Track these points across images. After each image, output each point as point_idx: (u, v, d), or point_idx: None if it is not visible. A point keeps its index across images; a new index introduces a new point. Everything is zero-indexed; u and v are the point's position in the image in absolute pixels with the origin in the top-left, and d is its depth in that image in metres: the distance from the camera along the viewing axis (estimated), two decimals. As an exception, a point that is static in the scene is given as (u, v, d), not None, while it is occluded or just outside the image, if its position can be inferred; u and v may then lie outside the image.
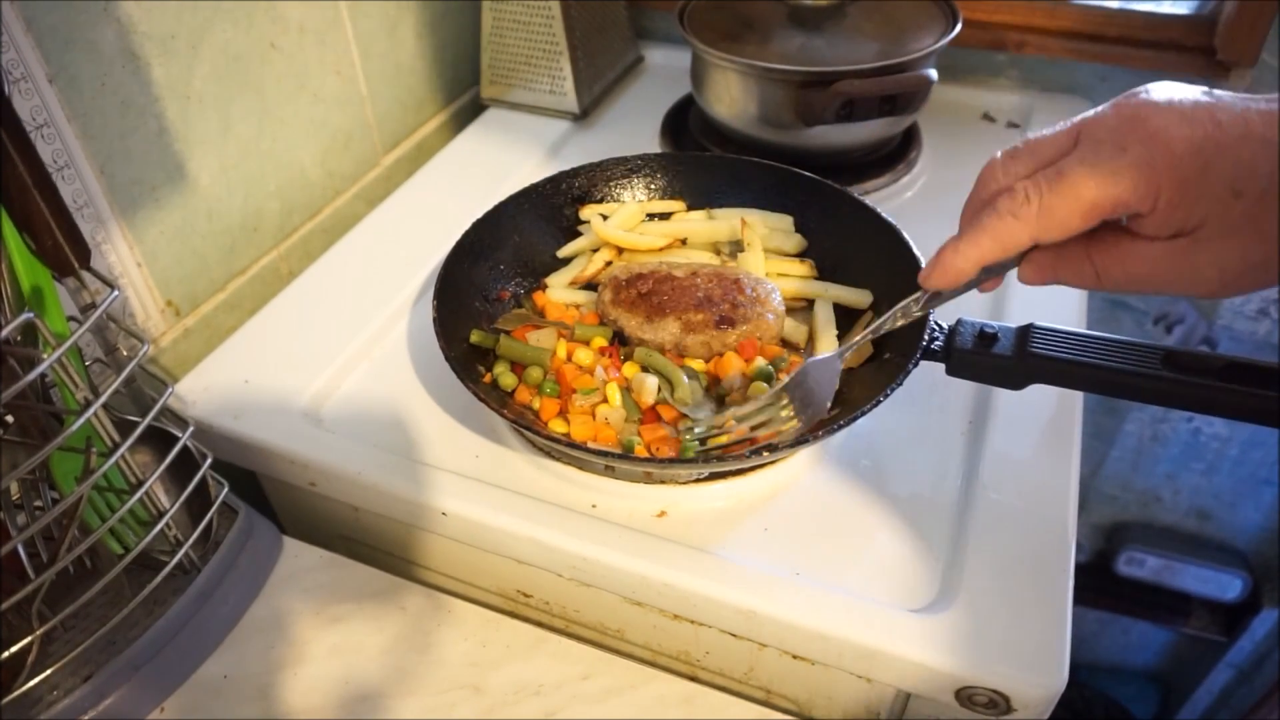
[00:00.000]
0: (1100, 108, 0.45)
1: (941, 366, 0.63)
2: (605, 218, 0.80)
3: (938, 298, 0.53)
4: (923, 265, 0.66)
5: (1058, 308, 0.76)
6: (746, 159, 0.82)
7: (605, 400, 0.64)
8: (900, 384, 0.59)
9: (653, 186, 0.83)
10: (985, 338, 0.61)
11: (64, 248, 0.49)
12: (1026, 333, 0.61)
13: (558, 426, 0.64)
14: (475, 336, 0.69)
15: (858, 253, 0.74)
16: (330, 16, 0.88)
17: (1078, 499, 0.62)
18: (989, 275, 0.50)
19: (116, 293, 0.52)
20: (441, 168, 1.00)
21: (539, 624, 0.62)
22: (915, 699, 0.59)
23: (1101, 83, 1.05)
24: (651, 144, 1.01)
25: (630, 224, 0.79)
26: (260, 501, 0.76)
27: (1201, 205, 0.41)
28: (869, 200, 0.76)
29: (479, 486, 0.64)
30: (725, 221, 0.79)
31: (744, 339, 0.67)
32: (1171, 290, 0.45)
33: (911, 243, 0.69)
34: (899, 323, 0.57)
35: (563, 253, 0.79)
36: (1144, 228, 0.44)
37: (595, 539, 0.60)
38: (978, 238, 0.47)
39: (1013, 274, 0.52)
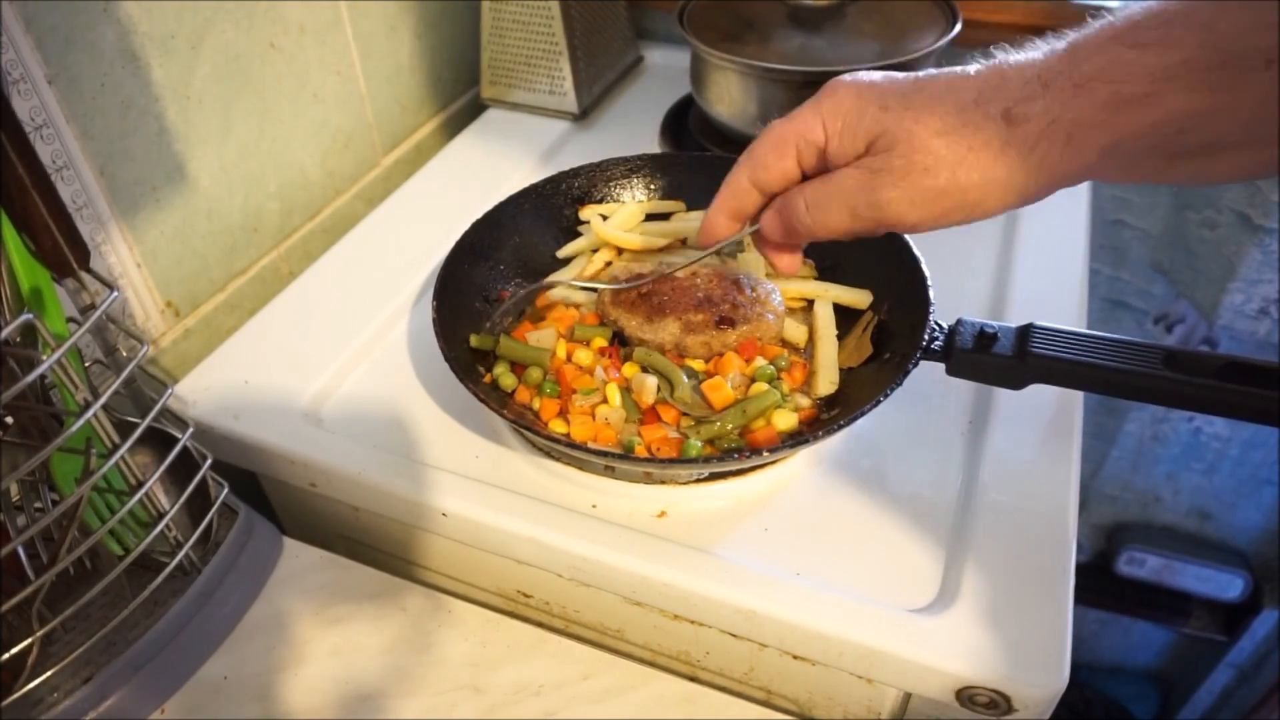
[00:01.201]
0: None
1: (941, 366, 0.63)
2: (605, 218, 0.80)
3: (718, 251, 0.60)
4: (923, 265, 0.67)
5: (1058, 308, 0.77)
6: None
7: (605, 400, 0.64)
8: (900, 384, 0.59)
9: (653, 186, 0.83)
10: (985, 338, 0.61)
11: (63, 249, 0.49)
12: (1026, 333, 0.61)
13: (558, 427, 0.64)
14: (475, 340, 0.69)
15: (858, 253, 0.74)
16: (330, 16, 0.88)
17: (1078, 499, 0.62)
18: (741, 223, 0.57)
19: (116, 294, 0.52)
20: (441, 168, 1.00)
21: (539, 624, 0.62)
22: (915, 699, 0.59)
23: (1101, 82, 1.05)
24: (651, 144, 1.01)
25: (630, 224, 0.79)
26: (260, 502, 0.76)
27: (863, 122, 0.48)
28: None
29: (479, 486, 0.64)
30: None
31: (744, 339, 0.67)
32: (863, 202, 0.49)
33: (911, 242, 0.69)
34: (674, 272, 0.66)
35: (563, 253, 0.79)
36: (833, 160, 0.51)
37: (595, 539, 0.60)
38: (720, 192, 0.56)
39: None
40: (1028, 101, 0.44)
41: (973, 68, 0.47)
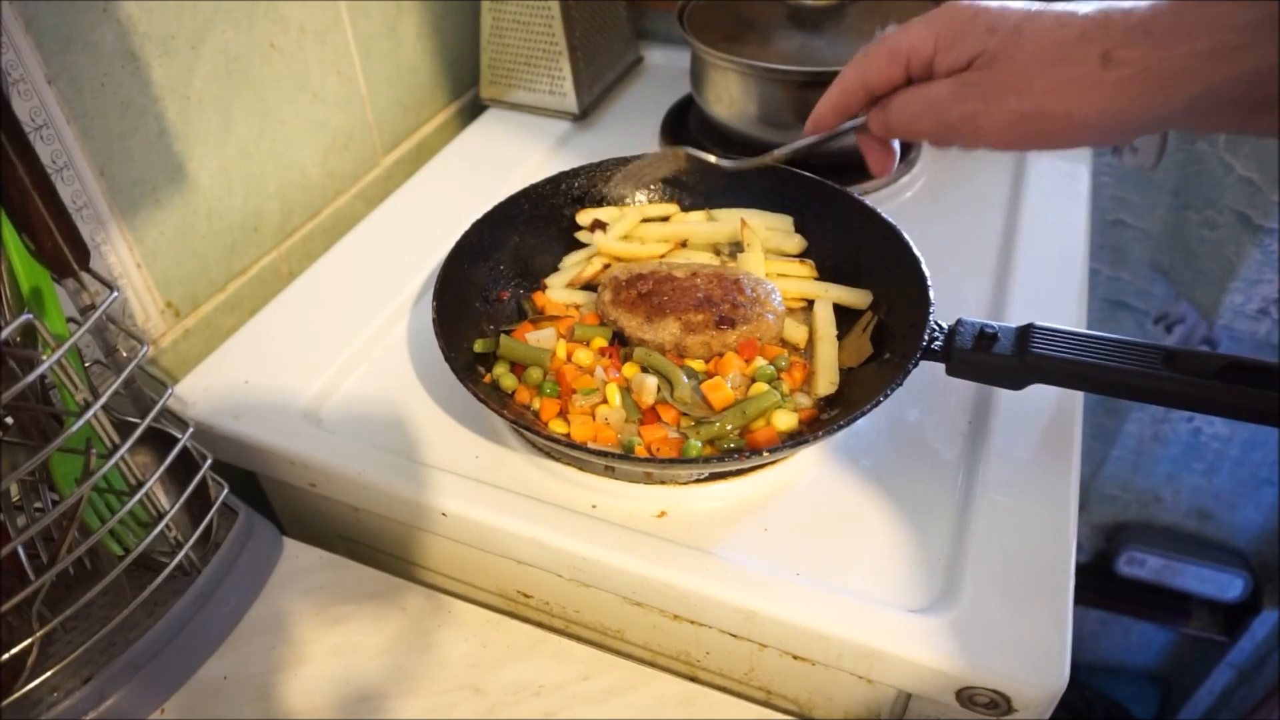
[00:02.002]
0: None
1: (941, 366, 0.63)
2: (603, 223, 0.80)
3: (819, 141, 0.64)
4: (924, 265, 0.67)
5: (1058, 308, 0.77)
6: (664, 150, 0.82)
7: (605, 400, 0.64)
8: (900, 384, 0.59)
9: (652, 187, 0.83)
10: (985, 338, 0.61)
11: (63, 249, 0.49)
12: (1026, 333, 0.61)
13: (558, 427, 0.64)
14: (480, 345, 0.69)
15: (857, 253, 0.74)
16: (330, 16, 0.88)
17: (1078, 499, 0.62)
18: (845, 119, 0.62)
19: (116, 294, 0.52)
20: (441, 168, 1.00)
21: (539, 624, 0.62)
22: (916, 699, 0.59)
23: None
24: (651, 144, 1.01)
25: (630, 229, 0.79)
26: (260, 502, 0.76)
27: (970, 40, 0.51)
28: (869, 200, 0.76)
29: (479, 487, 0.64)
30: (725, 222, 0.79)
31: (744, 339, 0.67)
32: (954, 114, 0.52)
33: (911, 242, 0.69)
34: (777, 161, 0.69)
35: (565, 264, 0.79)
36: (937, 71, 0.54)
37: (595, 539, 0.60)
38: (830, 88, 0.61)
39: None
40: (1128, 46, 0.46)
41: (1082, 8, 0.49)
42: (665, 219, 0.81)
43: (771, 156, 0.68)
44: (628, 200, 0.83)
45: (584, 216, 0.80)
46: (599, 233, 0.79)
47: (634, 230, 0.79)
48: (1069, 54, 0.48)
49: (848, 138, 0.89)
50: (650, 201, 0.83)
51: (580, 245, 0.81)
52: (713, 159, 0.74)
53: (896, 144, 0.62)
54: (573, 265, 0.78)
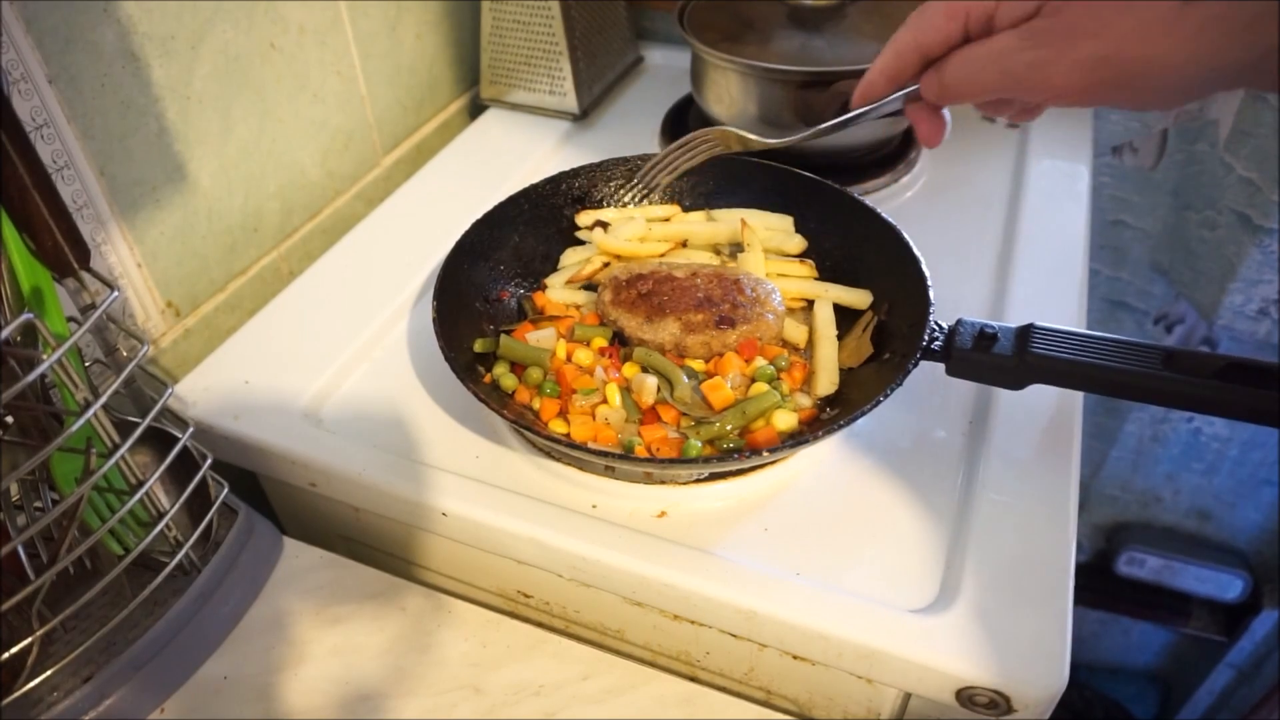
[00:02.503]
0: None
1: (941, 366, 0.63)
2: (603, 223, 0.80)
3: (867, 112, 0.59)
4: (923, 265, 0.67)
5: (1058, 308, 0.77)
6: (746, 159, 0.82)
7: (605, 400, 0.64)
8: (900, 384, 0.59)
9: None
10: (985, 338, 0.61)
11: (64, 248, 0.49)
12: (1026, 333, 0.61)
13: (558, 427, 0.64)
14: (480, 345, 0.69)
15: (857, 253, 0.74)
16: (330, 16, 0.88)
17: (1078, 499, 0.62)
18: (898, 86, 0.57)
19: (116, 293, 0.52)
20: (441, 168, 1.00)
21: (539, 624, 0.62)
22: (915, 699, 0.59)
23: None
24: (651, 144, 1.01)
25: (641, 233, 0.79)
26: (260, 502, 0.76)
27: None
28: (869, 200, 0.76)
29: (479, 487, 0.64)
30: (725, 223, 0.79)
31: (744, 339, 0.67)
32: (1020, 63, 0.48)
33: (911, 242, 0.69)
34: (822, 134, 0.63)
35: (564, 262, 0.79)
36: (998, 25, 0.50)
37: (595, 539, 0.60)
38: (882, 53, 0.56)
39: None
40: None
41: None
42: (666, 219, 0.81)
43: (815, 131, 0.64)
44: (628, 201, 0.83)
45: (585, 218, 0.80)
46: (598, 230, 0.79)
47: (648, 235, 0.78)
48: None
49: (853, 135, 0.89)
50: (651, 203, 0.83)
51: (580, 244, 0.81)
52: (755, 137, 0.69)
53: (948, 113, 0.58)
54: (572, 265, 0.78)
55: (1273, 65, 0.43)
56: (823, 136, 0.64)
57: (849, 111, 0.59)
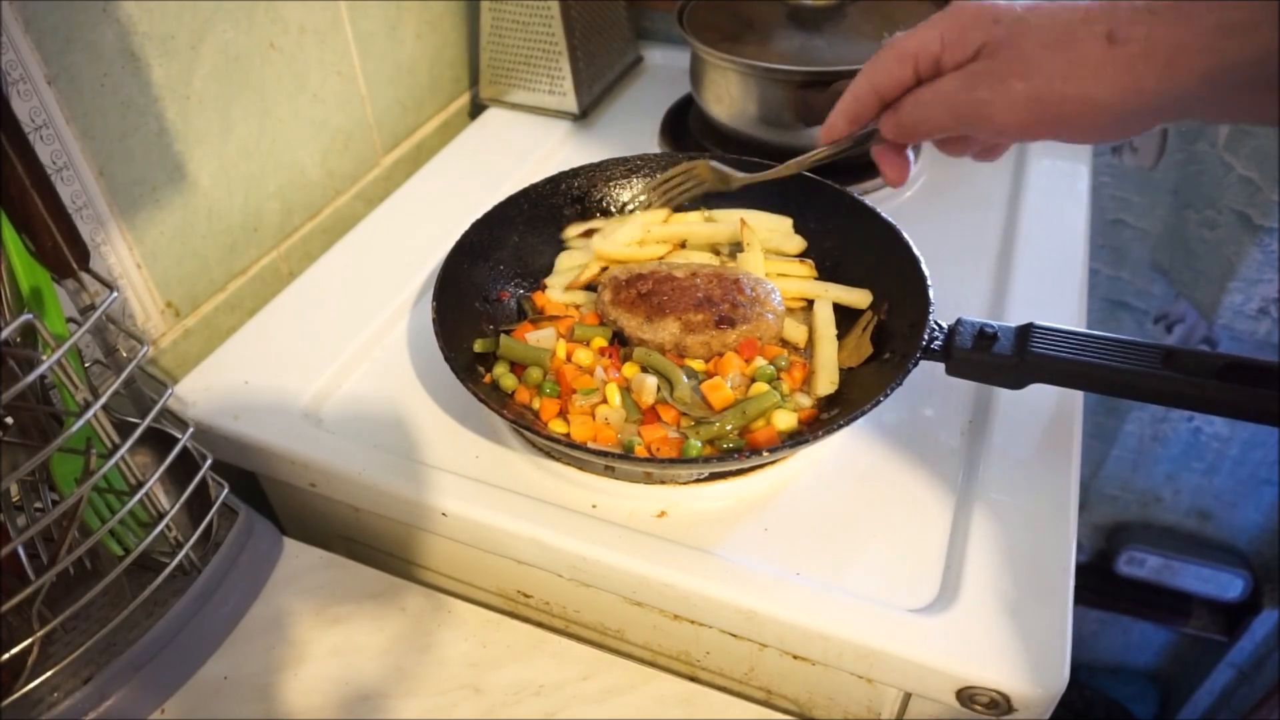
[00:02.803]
0: None
1: (941, 366, 0.63)
2: (590, 233, 0.79)
3: (836, 150, 0.63)
4: (923, 265, 0.67)
5: (1058, 308, 0.77)
6: (746, 159, 0.82)
7: (605, 400, 0.64)
8: (900, 384, 0.59)
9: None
10: (985, 337, 0.61)
11: (63, 249, 0.49)
12: (1026, 332, 0.61)
13: (558, 427, 0.64)
14: (480, 345, 0.69)
15: (857, 253, 0.74)
16: (330, 16, 0.88)
17: (1078, 499, 0.62)
18: (857, 126, 0.60)
19: (116, 294, 0.52)
20: (441, 168, 1.00)
21: (539, 624, 0.62)
22: (916, 699, 0.59)
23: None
24: (651, 144, 1.01)
25: (642, 238, 0.78)
26: (260, 502, 0.76)
27: (975, 32, 0.51)
28: (869, 200, 0.76)
29: (479, 487, 0.64)
30: (724, 223, 0.78)
31: (744, 339, 0.67)
32: (964, 101, 0.52)
33: (911, 242, 0.69)
34: (796, 170, 0.67)
35: (560, 266, 0.79)
36: (944, 67, 0.54)
37: (595, 539, 0.60)
38: (843, 96, 0.60)
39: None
40: (1132, 25, 0.46)
41: None
42: (664, 220, 0.81)
43: (788, 166, 0.68)
44: (626, 201, 0.83)
45: (572, 230, 0.80)
46: (596, 237, 0.79)
47: (645, 237, 0.78)
48: (1074, 35, 0.48)
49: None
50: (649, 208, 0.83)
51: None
52: (735, 173, 0.73)
53: (911, 153, 0.62)
54: (568, 270, 0.78)
55: (1204, 95, 0.46)
56: (793, 172, 0.68)
57: (824, 147, 0.63)
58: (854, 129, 0.61)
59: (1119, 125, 0.49)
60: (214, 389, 0.73)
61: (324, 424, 0.70)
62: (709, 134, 0.99)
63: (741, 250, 0.76)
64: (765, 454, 0.58)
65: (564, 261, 0.79)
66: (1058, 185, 0.92)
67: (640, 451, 0.62)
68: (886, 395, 0.58)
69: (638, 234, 0.77)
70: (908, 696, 0.59)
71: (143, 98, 0.71)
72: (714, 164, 0.77)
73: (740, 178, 0.73)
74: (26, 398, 0.50)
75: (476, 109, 1.12)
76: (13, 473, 0.47)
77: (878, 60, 0.57)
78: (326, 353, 0.75)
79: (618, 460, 0.61)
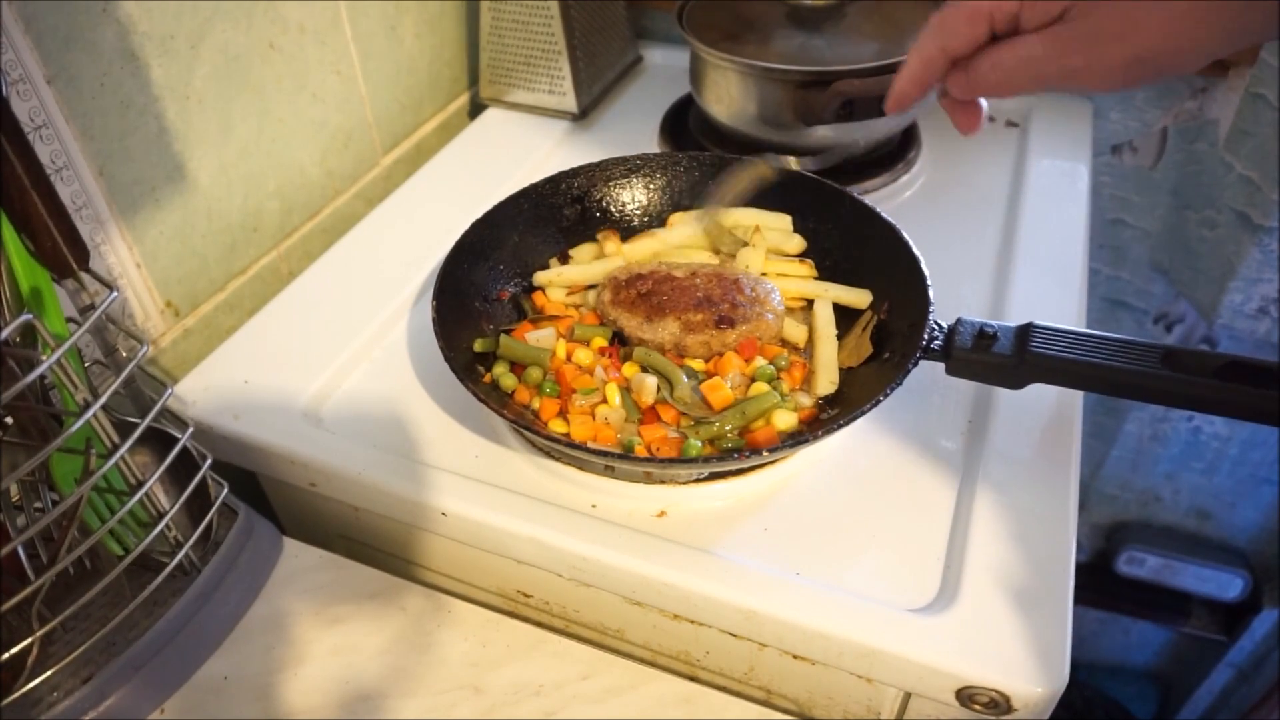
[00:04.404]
0: None
1: (941, 366, 0.63)
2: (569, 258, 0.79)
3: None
4: (923, 265, 0.67)
5: (1058, 308, 0.77)
6: (746, 159, 0.82)
7: (605, 400, 0.64)
8: (900, 384, 0.59)
9: (652, 187, 0.83)
10: (985, 337, 0.61)
11: (63, 249, 0.49)
12: (1026, 332, 0.61)
13: (557, 426, 0.64)
14: (480, 345, 0.69)
15: (857, 253, 0.74)
16: (330, 16, 0.88)
17: (1078, 499, 0.62)
18: (926, 91, 0.56)
19: (115, 294, 0.52)
20: (441, 168, 1.00)
21: (539, 624, 0.62)
22: (915, 699, 0.59)
23: (1101, 82, 1.05)
24: (651, 144, 1.01)
25: (660, 249, 0.78)
26: (260, 502, 0.76)
27: None
28: (869, 200, 0.76)
29: (479, 486, 0.64)
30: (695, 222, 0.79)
31: (744, 339, 0.67)
32: (1052, 70, 0.49)
33: (911, 242, 0.69)
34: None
35: (576, 257, 0.79)
36: (1023, 26, 0.50)
37: (595, 539, 0.60)
38: (908, 59, 0.56)
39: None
40: None
41: None
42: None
43: (850, 149, 0.63)
44: (626, 198, 0.83)
45: (543, 277, 0.77)
46: (612, 244, 0.78)
47: (664, 251, 0.78)
48: None
49: (853, 135, 0.89)
50: (657, 211, 0.83)
51: (580, 241, 0.80)
52: (794, 163, 0.70)
53: (984, 100, 0.58)
54: (583, 265, 0.78)
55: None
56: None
57: (889, 116, 0.59)
58: (923, 94, 0.57)
59: (1206, 59, 0.47)
60: (214, 389, 0.73)
61: (324, 424, 0.70)
62: (709, 134, 0.99)
63: (744, 245, 0.76)
64: (765, 454, 0.58)
65: (580, 252, 0.79)
66: (1058, 185, 0.92)
67: (640, 451, 0.62)
68: (886, 395, 0.58)
69: (654, 246, 0.78)
70: (907, 696, 0.59)
71: (142, 97, 0.71)
72: (773, 160, 0.75)
73: (803, 167, 0.70)
74: (26, 398, 0.50)
75: (476, 109, 1.12)
76: (13, 473, 0.47)
77: (946, 19, 0.53)
78: (326, 353, 0.75)
79: (618, 460, 0.61)
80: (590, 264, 0.77)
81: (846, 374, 0.67)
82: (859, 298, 0.72)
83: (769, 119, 0.89)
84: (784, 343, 0.70)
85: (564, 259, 0.79)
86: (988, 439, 0.66)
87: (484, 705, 0.56)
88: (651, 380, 0.64)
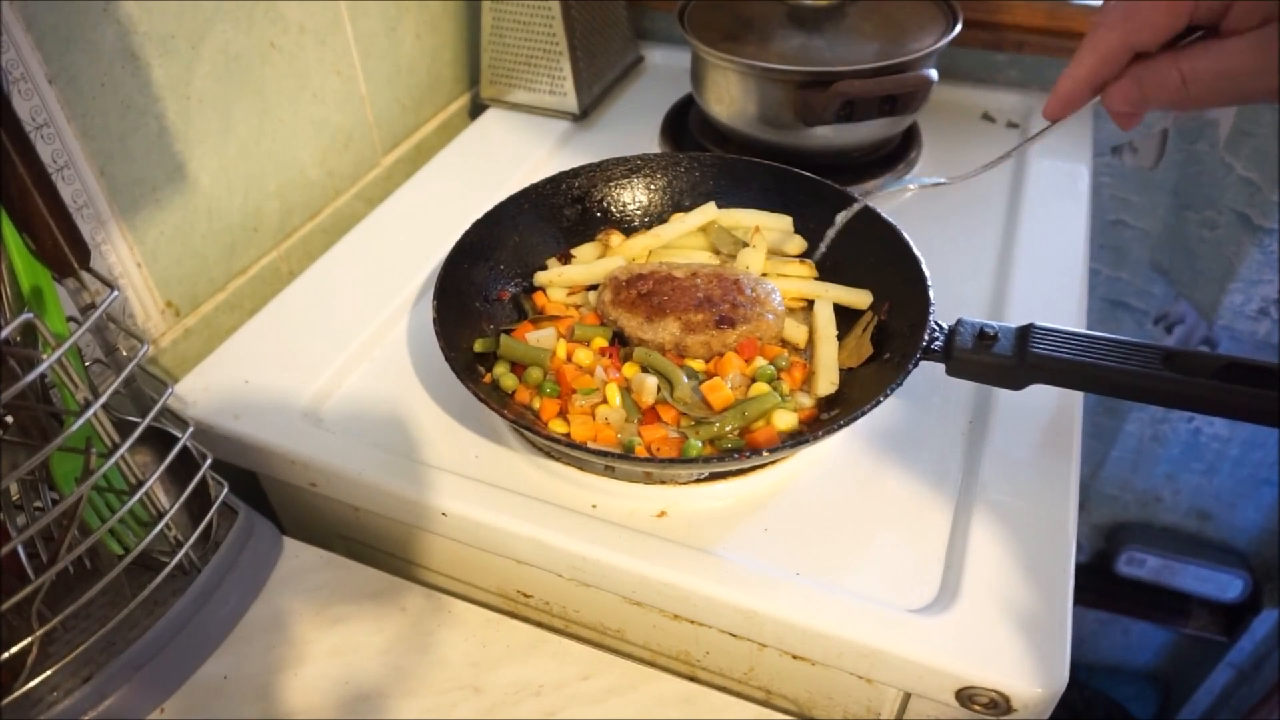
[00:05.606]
0: None
1: (941, 366, 0.63)
2: (570, 258, 0.79)
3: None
4: (923, 265, 0.67)
5: (1058, 308, 0.77)
6: (746, 159, 0.82)
7: (605, 400, 0.64)
8: (900, 384, 0.59)
9: (652, 187, 0.83)
10: (985, 338, 0.61)
11: (64, 248, 0.49)
12: (1026, 333, 0.61)
13: (558, 427, 0.64)
14: (480, 345, 0.69)
15: (858, 253, 0.74)
16: (330, 16, 0.88)
17: (1078, 499, 0.62)
18: (1099, 92, 0.49)
19: (116, 293, 0.52)
20: (441, 168, 1.00)
21: (539, 624, 0.62)
22: (915, 699, 0.59)
23: (1101, 83, 1.05)
24: (651, 144, 1.01)
25: (672, 241, 0.78)
26: (260, 501, 0.76)
27: None
28: (869, 200, 0.76)
29: (479, 486, 0.64)
30: (699, 214, 0.79)
31: (744, 339, 0.67)
32: (1260, 87, 0.42)
33: (911, 243, 0.69)
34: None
35: (579, 257, 0.80)
36: (1230, 23, 0.43)
37: (595, 539, 0.60)
38: (1080, 57, 0.48)
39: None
40: None
41: None
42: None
43: (997, 161, 0.59)
44: (627, 200, 0.83)
45: (544, 277, 0.77)
46: (615, 237, 0.79)
47: (676, 241, 0.78)
48: None
49: (853, 135, 0.89)
50: (652, 210, 0.83)
51: (580, 242, 0.80)
52: (943, 180, 0.64)
53: None
54: (585, 264, 0.78)
55: None
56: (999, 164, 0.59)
57: (1051, 123, 0.53)
58: (1094, 95, 0.49)
59: None
60: (214, 388, 0.73)
61: (324, 424, 0.70)
62: (709, 134, 0.99)
63: (746, 245, 0.76)
64: (765, 454, 0.58)
65: (583, 251, 0.79)
66: (1058, 185, 0.92)
67: (640, 451, 0.62)
68: (886, 395, 0.58)
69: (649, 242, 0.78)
70: (907, 696, 0.59)
71: (143, 97, 0.71)
72: (924, 181, 0.69)
73: (951, 180, 0.63)
74: (27, 397, 0.50)
75: (476, 109, 1.12)
76: (13, 472, 0.47)
77: (1135, 11, 0.45)
78: (326, 353, 0.75)
79: (618, 460, 0.61)
80: (591, 264, 0.77)
81: (847, 374, 0.67)
82: (859, 298, 0.72)
83: (769, 119, 0.89)
84: (784, 343, 0.70)
85: (564, 259, 0.79)
86: (988, 439, 0.66)
87: (484, 705, 0.56)
88: (652, 380, 0.64)
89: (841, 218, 0.71)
